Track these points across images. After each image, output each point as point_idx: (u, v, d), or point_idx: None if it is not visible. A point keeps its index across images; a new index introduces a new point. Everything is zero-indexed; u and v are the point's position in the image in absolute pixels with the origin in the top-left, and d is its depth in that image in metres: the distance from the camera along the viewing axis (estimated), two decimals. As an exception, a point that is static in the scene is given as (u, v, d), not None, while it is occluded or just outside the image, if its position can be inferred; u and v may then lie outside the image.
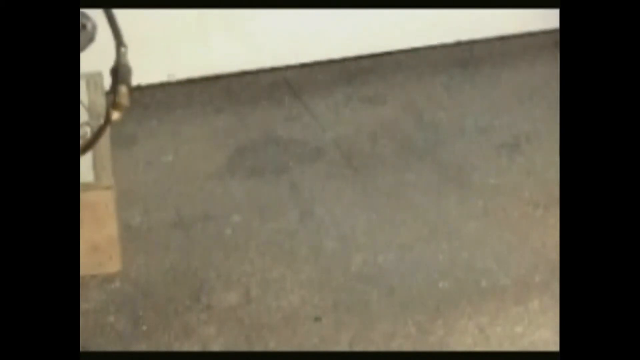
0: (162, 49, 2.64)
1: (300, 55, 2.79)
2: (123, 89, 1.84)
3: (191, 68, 2.72)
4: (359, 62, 2.84)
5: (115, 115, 1.85)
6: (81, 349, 1.83)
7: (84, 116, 2.17)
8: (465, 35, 2.90)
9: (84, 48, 1.87)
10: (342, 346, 1.96)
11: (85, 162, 2.05)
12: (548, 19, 2.86)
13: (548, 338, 1.97)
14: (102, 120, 1.88)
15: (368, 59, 2.84)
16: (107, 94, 1.95)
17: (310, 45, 2.78)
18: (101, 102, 2.22)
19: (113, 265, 2.10)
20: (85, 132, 2.05)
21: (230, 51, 2.73)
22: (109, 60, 1.88)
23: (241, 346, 1.96)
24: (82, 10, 1.87)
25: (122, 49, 1.88)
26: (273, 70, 2.78)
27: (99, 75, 2.28)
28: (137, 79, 1.91)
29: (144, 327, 1.99)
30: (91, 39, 1.90)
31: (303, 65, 2.79)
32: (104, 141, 2.09)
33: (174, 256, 2.17)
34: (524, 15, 2.89)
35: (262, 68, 2.77)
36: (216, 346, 1.96)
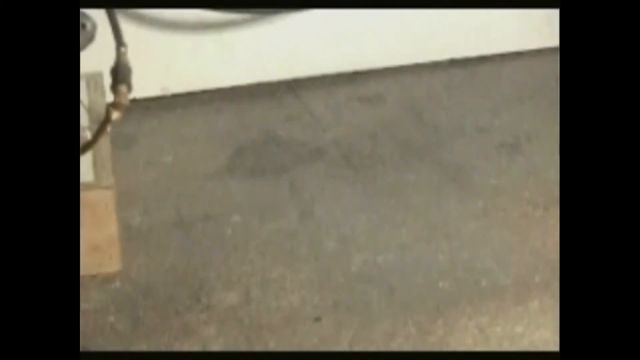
0: (157, 62, 2.60)
1: (295, 70, 2.76)
2: (123, 89, 1.85)
3: (186, 81, 2.68)
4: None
5: (115, 115, 1.85)
6: (81, 349, 1.83)
7: (84, 118, 2.16)
8: (459, 53, 2.87)
9: (84, 48, 1.87)
10: (342, 346, 1.96)
11: (85, 162, 2.05)
12: (546, 38, 2.84)
13: (548, 338, 1.97)
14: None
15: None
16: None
17: (306, 60, 2.75)
18: (101, 102, 2.22)
19: (113, 265, 2.10)
20: (85, 136, 2.05)
21: (226, 64, 2.70)
22: (109, 60, 1.89)
23: (241, 346, 1.95)
24: (82, 10, 1.87)
25: (122, 49, 1.88)
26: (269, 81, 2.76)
27: (99, 75, 2.28)
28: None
29: (144, 327, 1.99)
30: (91, 38, 1.91)
31: (297, 80, 2.77)
32: (104, 141, 2.08)
33: (174, 256, 2.17)
34: (520, 33, 2.87)
35: (258, 82, 2.74)
36: (216, 346, 1.96)
